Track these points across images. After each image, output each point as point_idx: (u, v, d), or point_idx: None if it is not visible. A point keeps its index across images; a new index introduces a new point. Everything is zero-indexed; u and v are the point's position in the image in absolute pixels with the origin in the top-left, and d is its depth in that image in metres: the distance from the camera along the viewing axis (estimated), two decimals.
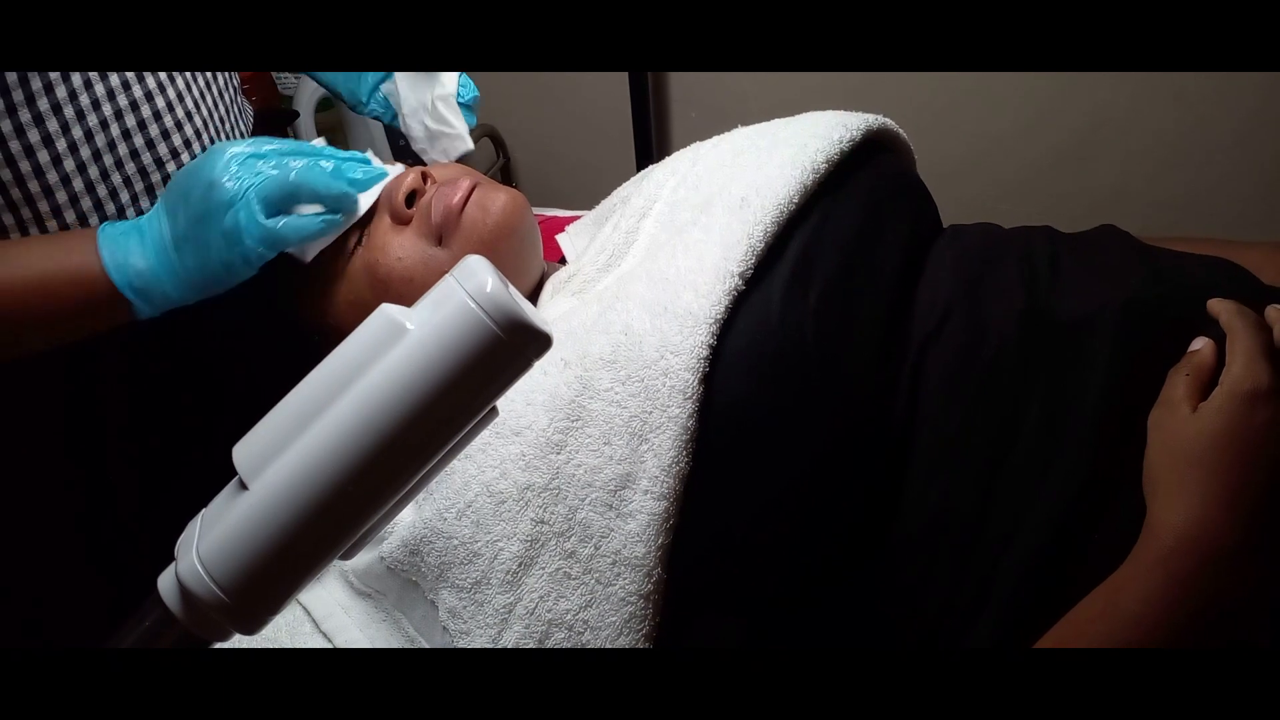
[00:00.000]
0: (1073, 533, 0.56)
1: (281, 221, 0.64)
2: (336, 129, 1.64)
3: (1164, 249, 0.67)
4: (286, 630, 0.64)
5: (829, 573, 0.60)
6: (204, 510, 0.42)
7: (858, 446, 0.58)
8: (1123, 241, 0.68)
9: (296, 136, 1.54)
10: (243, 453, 0.40)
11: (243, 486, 0.40)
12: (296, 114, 1.53)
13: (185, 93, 0.75)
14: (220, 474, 0.45)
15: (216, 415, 0.70)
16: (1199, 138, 1.32)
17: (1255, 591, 0.49)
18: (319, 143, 0.71)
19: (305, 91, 1.56)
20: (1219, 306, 0.56)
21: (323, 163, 0.66)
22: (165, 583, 0.40)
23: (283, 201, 0.64)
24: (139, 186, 0.73)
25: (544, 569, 0.57)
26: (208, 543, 0.39)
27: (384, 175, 0.70)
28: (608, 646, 0.56)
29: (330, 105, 1.62)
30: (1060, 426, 0.58)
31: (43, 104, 0.65)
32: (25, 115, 0.65)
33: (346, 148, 1.57)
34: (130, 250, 0.64)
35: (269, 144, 0.65)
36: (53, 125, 0.66)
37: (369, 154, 0.72)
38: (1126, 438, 0.56)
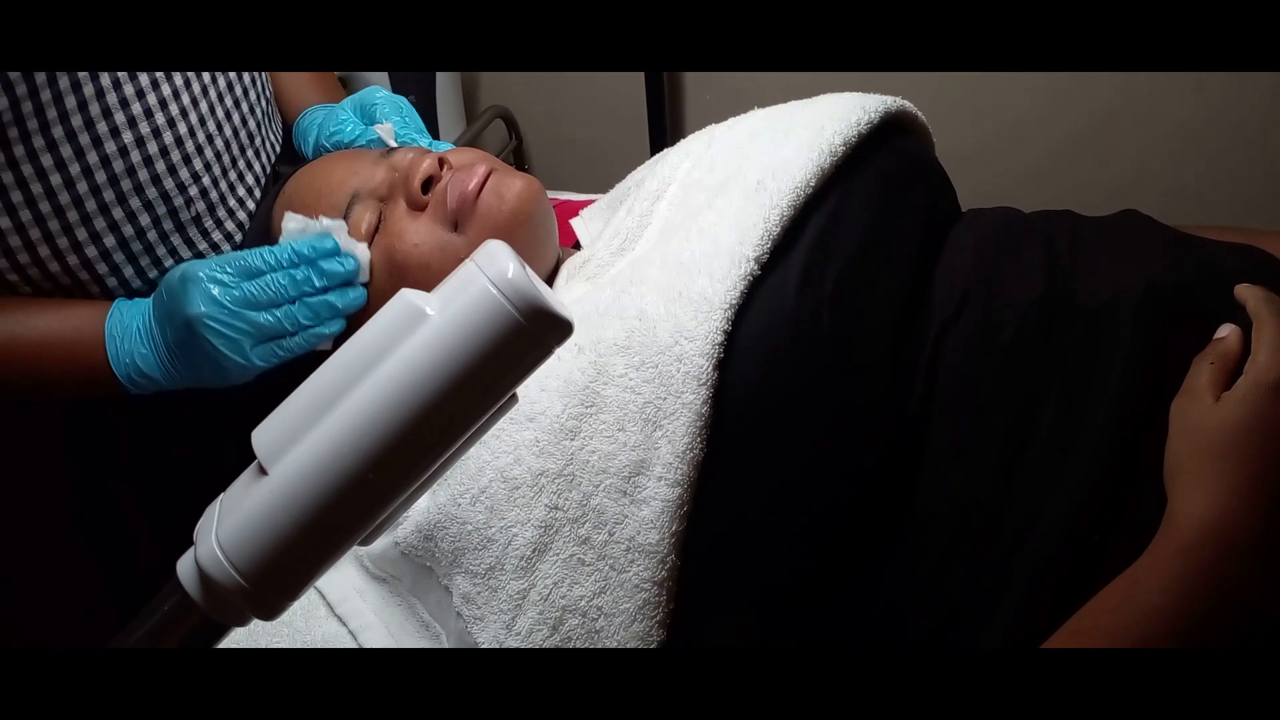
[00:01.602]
0: (1092, 522, 0.55)
1: (269, 352, 0.66)
2: None
3: (1189, 235, 0.66)
4: (302, 614, 0.64)
5: (843, 560, 0.60)
6: (222, 495, 0.42)
7: (874, 433, 0.58)
8: (1146, 226, 0.67)
9: None
10: (262, 438, 0.40)
11: (262, 471, 0.39)
12: None
13: (205, 119, 0.75)
14: (230, 461, 0.45)
15: (226, 402, 0.70)
16: (1218, 126, 1.30)
17: (1275, 583, 0.49)
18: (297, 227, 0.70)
19: None
20: (1246, 292, 0.55)
21: (301, 298, 0.66)
22: (184, 567, 0.40)
23: (263, 337, 0.66)
24: (161, 210, 0.73)
25: (558, 555, 0.57)
26: (227, 528, 0.39)
27: (356, 269, 0.68)
28: (621, 633, 0.56)
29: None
30: (1080, 414, 0.57)
31: (58, 131, 0.66)
32: (39, 141, 0.65)
33: None
34: (135, 352, 0.67)
35: (234, 270, 0.65)
36: (66, 150, 0.66)
37: (342, 241, 0.69)
38: (1148, 426, 0.55)
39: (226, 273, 0.65)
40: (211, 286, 0.64)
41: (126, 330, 0.68)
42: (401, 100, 0.84)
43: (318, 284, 0.66)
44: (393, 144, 0.79)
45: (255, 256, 0.66)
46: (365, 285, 0.68)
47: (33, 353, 0.68)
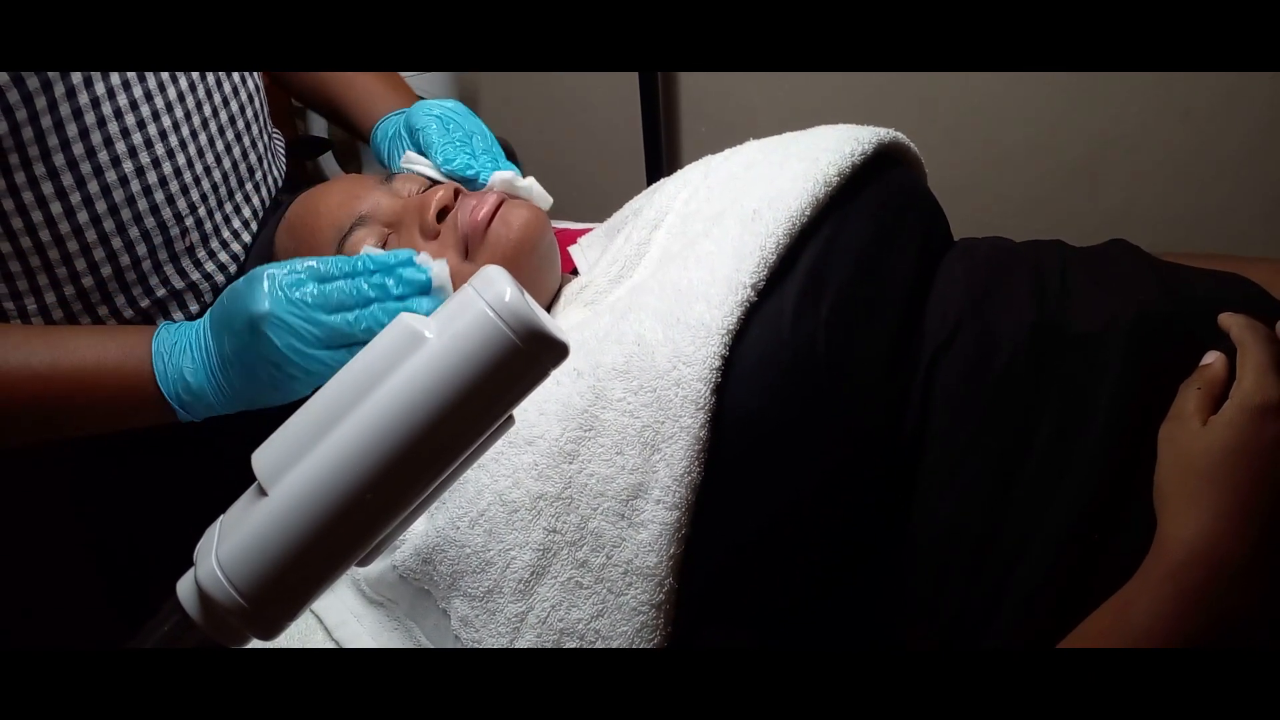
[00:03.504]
0: (1085, 546, 0.56)
1: (337, 358, 0.62)
2: (349, 139, 1.65)
3: (1175, 264, 0.68)
4: (299, 638, 0.64)
5: (839, 584, 0.60)
6: (222, 516, 0.42)
7: (869, 458, 0.59)
8: (1133, 256, 0.68)
9: (321, 170, 1.56)
10: (262, 459, 0.40)
11: (262, 493, 0.40)
12: (329, 145, 1.54)
13: (203, 151, 0.76)
14: (229, 479, 0.45)
15: (228, 423, 0.71)
16: (1208, 155, 1.32)
17: (1264, 605, 0.49)
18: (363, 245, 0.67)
19: None
20: (1230, 320, 0.56)
21: (379, 301, 0.62)
22: (184, 588, 0.40)
23: (332, 343, 0.62)
24: (157, 240, 0.74)
25: (556, 578, 0.57)
26: (227, 548, 0.39)
27: (429, 279, 0.64)
28: None
29: None
30: (1071, 440, 0.58)
31: (59, 159, 0.66)
32: (40, 169, 0.66)
33: (359, 160, 1.57)
34: (183, 366, 0.64)
35: (304, 272, 0.62)
36: (68, 179, 0.67)
37: (418, 255, 0.65)
38: (1137, 451, 0.56)
39: (296, 274, 0.61)
40: (281, 286, 0.60)
41: (175, 346, 0.64)
42: (452, 115, 0.80)
43: (395, 291, 0.62)
44: (435, 176, 0.77)
45: (328, 262, 0.62)
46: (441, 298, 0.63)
47: (77, 378, 0.64)
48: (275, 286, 0.60)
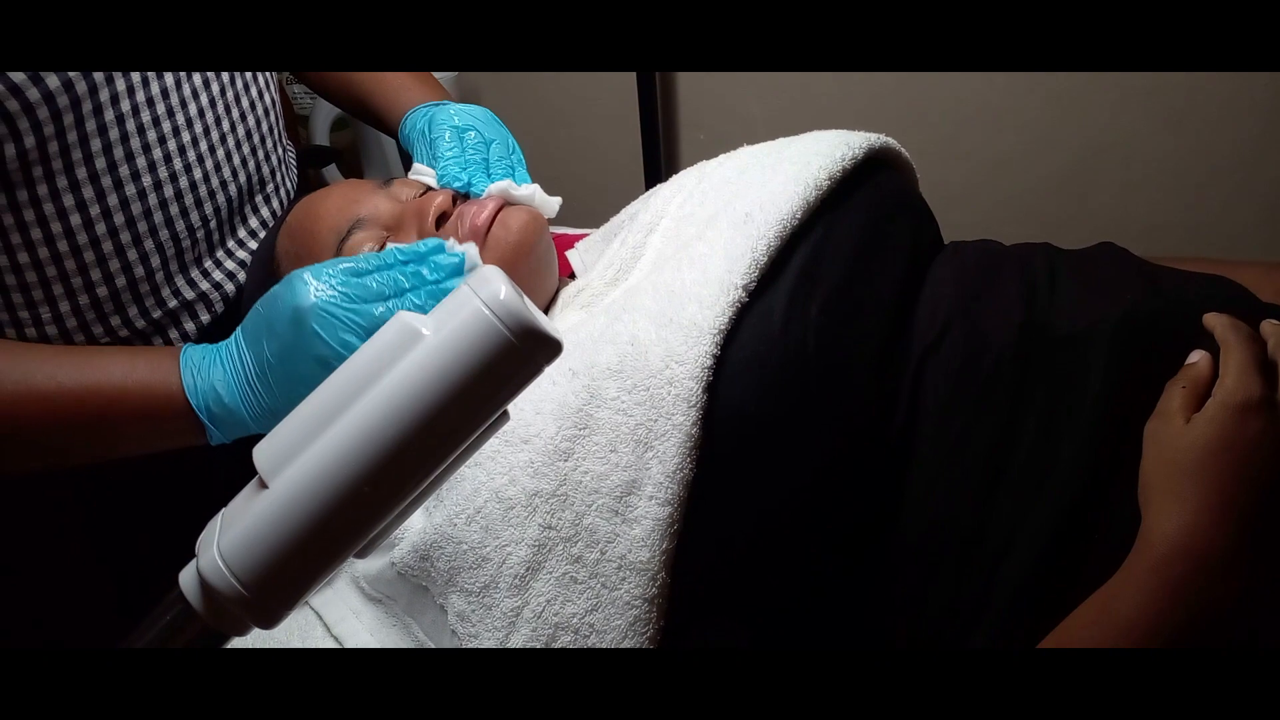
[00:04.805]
0: (1070, 541, 0.57)
1: None
2: (350, 148, 1.67)
3: (1162, 266, 0.69)
4: (299, 634, 0.65)
5: (830, 579, 0.61)
6: (224, 508, 0.43)
7: (859, 455, 0.60)
8: (1121, 258, 0.69)
9: (324, 180, 1.58)
10: (263, 452, 0.41)
11: (263, 485, 0.41)
12: (334, 155, 1.56)
13: (220, 166, 0.77)
14: (230, 476, 0.46)
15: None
16: (1197, 163, 1.33)
17: (1246, 598, 0.50)
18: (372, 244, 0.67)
19: (321, 111, 1.58)
20: (1214, 320, 0.57)
21: (415, 291, 0.61)
22: (186, 578, 0.41)
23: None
24: (170, 251, 0.76)
25: (551, 573, 0.58)
26: (228, 539, 0.40)
27: (462, 259, 0.63)
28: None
29: (345, 125, 1.65)
30: (1058, 437, 0.59)
31: (82, 172, 0.67)
32: (63, 181, 0.67)
33: (360, 166, 1.58)
34: (214, 379, 0.61)
35: (339, 270, 0.60)
36: (89, 192, 0.68)
37: (447, 241, 0.65)
38: (1123, 448, 0.57)
39: (333, 273, 0.59)
40: (321, 281, 0.58)
41: (204, 360, 0.62)
42: (472, 124, 0.81)
43: (431, 278, 0.61)
44: (434, 185, 0.77)
45: (359, 259, 0.60)
46: None
47: (106, 399, 0.62)
48: (317, 282, 0.59)
